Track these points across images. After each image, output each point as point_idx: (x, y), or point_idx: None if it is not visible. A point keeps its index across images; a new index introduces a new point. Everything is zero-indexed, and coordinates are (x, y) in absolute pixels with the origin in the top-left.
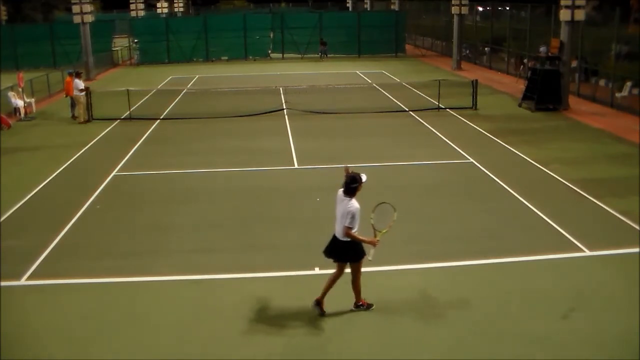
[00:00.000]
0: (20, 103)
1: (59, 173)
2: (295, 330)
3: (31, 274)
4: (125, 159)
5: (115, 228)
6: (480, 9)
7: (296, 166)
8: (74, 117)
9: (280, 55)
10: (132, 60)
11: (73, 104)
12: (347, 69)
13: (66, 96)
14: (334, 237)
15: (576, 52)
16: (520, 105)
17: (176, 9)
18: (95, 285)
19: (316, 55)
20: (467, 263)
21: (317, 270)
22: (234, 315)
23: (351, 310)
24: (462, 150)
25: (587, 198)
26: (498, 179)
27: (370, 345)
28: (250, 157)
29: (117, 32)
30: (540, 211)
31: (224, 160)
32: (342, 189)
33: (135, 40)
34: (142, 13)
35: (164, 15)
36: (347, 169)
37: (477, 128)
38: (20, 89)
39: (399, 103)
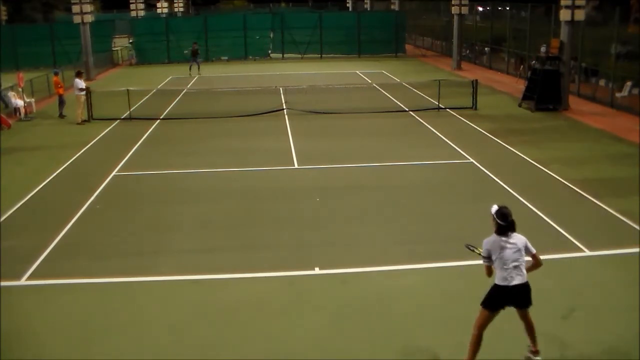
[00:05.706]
0: (20, 103)
1: (59, 173)
2: (295, 330)
3: (31, 274)
4: (125, 159)
5: (115, 228)
6: (480, 9)
7: (296, 166)
8: (61, 115)
9: (280, 55)
10: (132, 61)
11: (61, 102)
12: (347, 69)
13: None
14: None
15: (576, 52)
16: (520, 105)
17: (176, 9)
18: (96, 285)
19: (316, 55)
20: (466, 263)
21: (317, 270)
22: (234, 315)
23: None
24: (462, 150)
25: (587, 198)
26: (498, 179)
27: (369, 345)
28: (250, 157)
29: (117, 32)
30: (540, 211)
31: (224, 160)
32: (502, 231)
33: (130, 41)
34: (142, 13)
35: (164, 15)
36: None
37: (477, 128)
38: (20, 89)
39: (399, 103)
